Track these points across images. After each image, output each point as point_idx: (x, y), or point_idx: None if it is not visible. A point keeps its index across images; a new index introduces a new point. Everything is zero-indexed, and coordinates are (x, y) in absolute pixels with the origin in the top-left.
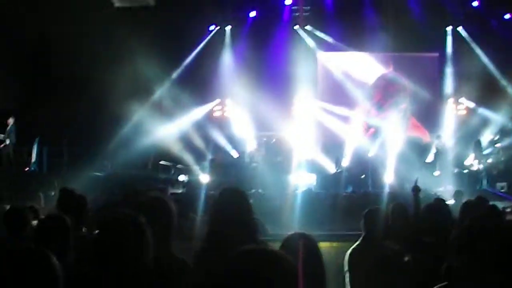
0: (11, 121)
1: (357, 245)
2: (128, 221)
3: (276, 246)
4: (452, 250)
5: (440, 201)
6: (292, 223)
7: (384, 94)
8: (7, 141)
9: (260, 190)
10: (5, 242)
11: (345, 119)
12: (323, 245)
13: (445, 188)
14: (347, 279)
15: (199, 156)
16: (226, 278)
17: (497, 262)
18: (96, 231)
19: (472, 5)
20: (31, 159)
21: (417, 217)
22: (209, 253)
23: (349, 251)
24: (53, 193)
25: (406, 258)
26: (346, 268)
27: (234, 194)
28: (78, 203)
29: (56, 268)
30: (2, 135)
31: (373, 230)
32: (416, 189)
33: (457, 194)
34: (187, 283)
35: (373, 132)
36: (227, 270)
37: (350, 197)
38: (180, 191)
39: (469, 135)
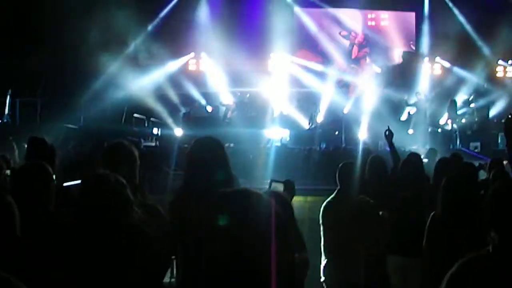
0: None
1: (332, 198)
2: (108, 179)
3: None
4: (429, 204)
5: (415, 156)
6: (265, 177)
7: (360, 50)
8: None
9: (232, 144)
10: None
11: (320, 75)
12: (297, 199)
13: (420, 147)
14: (321, 232)
15: (173, 109)
16: (209, 218)
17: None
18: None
19: None
20: (4, 111)
21: (395, 167)
22: (184, 201)
23: (323, 205)
24: (25, 145)
25: (380, 212)
26: (320, 221)
27: (209, 142)
28: (49, 153)
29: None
30: None
31: (348, 183)
32: (388, 135)
33: (431, 152)
34: (162, 226)
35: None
36: (210, 209)
37: (324, 152)
38: (153, 144)
39: (444, 95)
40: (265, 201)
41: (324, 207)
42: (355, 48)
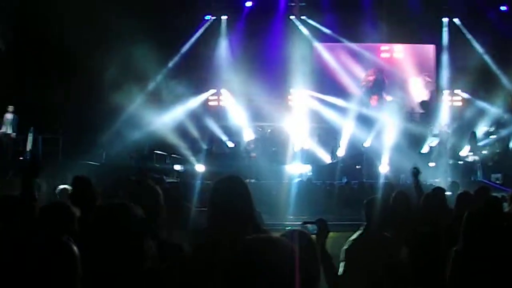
0: (10, 109)
1: (359, 234)
2: (126, 211)
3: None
4: (451, 239)
5: (439, 191)
6: (287, 213)
7: (380, 84)
8: (7, 130)
9: (254, 180)
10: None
11: (340, 109)
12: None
13: (441, 179)
14: (341, 269)
15: (194, 146)
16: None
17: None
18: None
19: None
20: (26, 148)
21: (419, 203)
22: (209, 241)
23: (349, 241)
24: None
25: (403, 250)
26: (342, 257)
27: (234, 181)
28: (93, 193)
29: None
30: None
31: (375, 219)
32: (416, 172)
33: (453, 186)
34: (184, 268)
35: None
36: (238, 256)
37: (345, 187)
38: (175, 180)
39: (464, 127)
40: (287, 248)
41: (351, 243)
42: (374, 82)
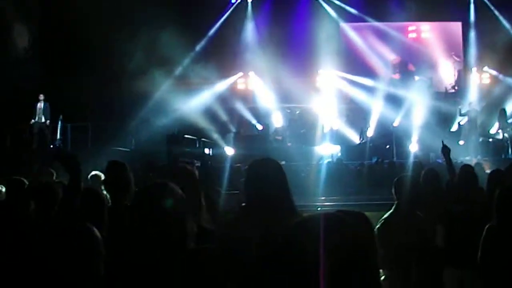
0: (41, 97)
1: (390, 213)
2: (169, 191)
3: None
4: (484, 217)
5: (470, 169)
6: (318, 194)
7: (407, 62)
8: (40, 119)
9: (283, 162)
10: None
11: (368, 89)
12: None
13: (471, 157)
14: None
15: (223, 129)
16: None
17: None
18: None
19: None
20: (56, 136)
21: (451, 180)
22: (245, 223)
23: (382, 220)
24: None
25: (436, 227)
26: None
27: (269, 164)
28: (128, 178)
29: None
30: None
31: (406, 197)
32: (446, 150)
33: (477, 166)
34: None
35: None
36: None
37: (375, 167)
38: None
39: (494, 104)
40: (345, 223)
41: (383, 222)
42: (402, 60)
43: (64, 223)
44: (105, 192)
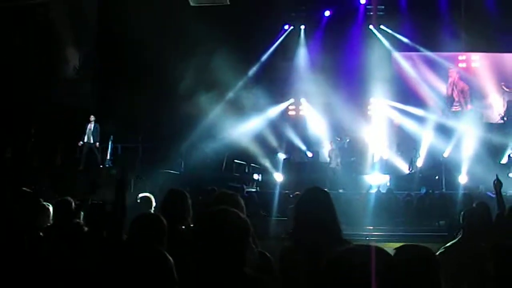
0: (92, 118)
1: (454, 243)
2: (229, 216)
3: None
4: None
5: None
6: (366, 223)
7: (458, 92)
8: (89, 140)
9: (341, 190)
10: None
11: (419, 119)
12: (397, 246)
13: None
14: None
15: (272, 155)
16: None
17: None
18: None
19: None
20: (106, 156)
21: (501, 214)
22: (296, 252)
23: (445, 247)
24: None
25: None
26: None
27: (320, 193)
28: (185, 207)
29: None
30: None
31: (472, 229)
32: (498, 184)
33: None
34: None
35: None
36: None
37: (425, 197)
38: (253, 189)
39: None
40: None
41: (445, 250)
42: (453, 89)
43: (137, 247)
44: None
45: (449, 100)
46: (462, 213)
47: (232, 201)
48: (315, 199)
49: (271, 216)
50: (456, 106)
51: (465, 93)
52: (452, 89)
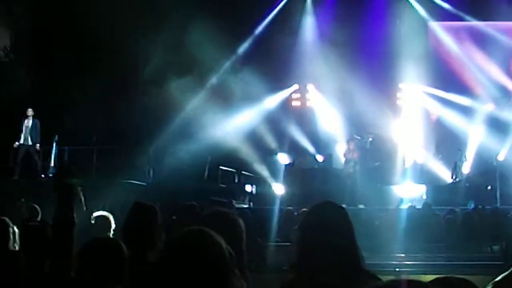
0: (30, 113)
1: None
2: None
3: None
4: None
5: None
6: (396, 249)
7: None
8: (26, 141)
9: (361, 206)
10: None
11: (465, 111)
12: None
13: None
14: None
15: (272, 160)
16: None
17: None
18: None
19: None
20: (49, 163)
21: None
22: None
23: (494, 282)
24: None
25: None
26: None
27: (333, 211)
28: (154, 229)
29: None
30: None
31: None
32: None
33: None
34: None
35: None
36: None
37: (473, 215)
38: (245, 206)
39: None
40: None
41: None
42: None
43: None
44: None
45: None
46: None
47: (227, 224)
48: (328, 218)
49: (268, 241)
50: None
51: None
52: None
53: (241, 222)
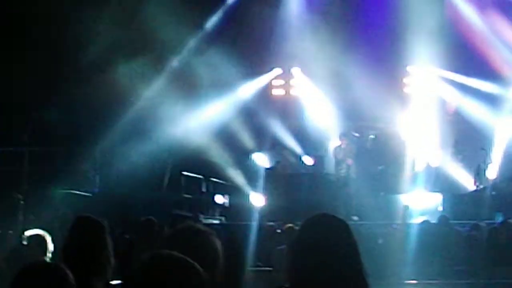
0: None
1: None
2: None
3: None
4: None
5: None
6: (405, 275)
7: None
8: None
9: (355, 217)
10: None
11: (490, 100)
12: None
13: None
14: None
15: (248, 163)
16: None
17: None
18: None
19: None
20: None
21: None
22: None
23: None
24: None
25: None
26: None
27: (332, 227)
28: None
29: None
30: None
31: None
32: None
33: None
34: None
35: None
36: None
37: (501, 230)
38: (216, 221)
39: None
40: None
41: None
42: None
43: None
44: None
45: None
46: None
47: (200, 246)
48: (327, 235)
49: (245, 266)
50: None
51: None
52: None
53: (217, 243)
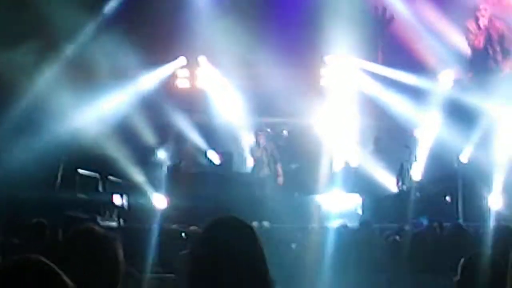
0: None
1: None
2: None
3: None
4: None
5: None
6: (322, 284)
7: (493, 44)
8: None
9: (265, 223)
10: None
11: (415, 94)
12: None
13: None
14: None
15: (149, 160)
16: None
17: None
18: None
19: None
20: None
21: None
22: None
23: None
24: None
25: None
26: None
27: (236, 231)
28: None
29: None
30: None
31: None
32: None
33: None
34: None
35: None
36: None
37: (426, 235)
38: (114, 224)
39: None
40: None
41: None
42: (482, 37)
43: None
44: None
45: (476, 58)
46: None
47: (100, 250)
48: (229, 240)
49: (143, 272)
50: (487, 67)
51: (507, 43)
52: (486, 39)
53: (119, 248)
